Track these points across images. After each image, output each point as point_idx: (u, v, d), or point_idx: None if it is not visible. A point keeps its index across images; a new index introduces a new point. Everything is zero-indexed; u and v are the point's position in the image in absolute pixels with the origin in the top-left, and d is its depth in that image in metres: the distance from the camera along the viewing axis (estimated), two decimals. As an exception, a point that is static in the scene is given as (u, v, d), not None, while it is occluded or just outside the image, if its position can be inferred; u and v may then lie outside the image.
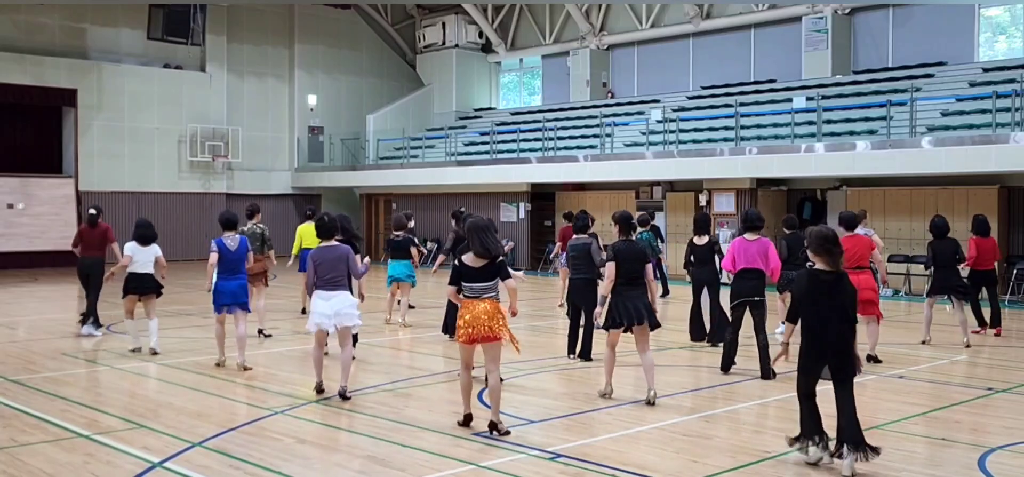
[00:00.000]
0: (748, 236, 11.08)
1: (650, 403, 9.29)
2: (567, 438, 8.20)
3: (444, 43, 36.30)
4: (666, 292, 20.34)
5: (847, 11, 26.92)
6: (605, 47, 32.85)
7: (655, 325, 9.51)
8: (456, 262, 8.34)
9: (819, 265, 7.18)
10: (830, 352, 7.03)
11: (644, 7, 31.47)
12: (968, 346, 13.36)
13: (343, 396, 9.52)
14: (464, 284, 8.15)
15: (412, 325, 15.37)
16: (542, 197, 29.10)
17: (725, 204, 24.20)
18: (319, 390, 9.81)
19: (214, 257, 11.15)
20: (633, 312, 9.31)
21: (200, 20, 31.71)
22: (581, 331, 12.11)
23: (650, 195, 26.52)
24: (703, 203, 24.32)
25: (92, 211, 14.54)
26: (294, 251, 16.66)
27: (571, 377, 11.01)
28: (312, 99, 35.50)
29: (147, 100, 31.82)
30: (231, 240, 11.32)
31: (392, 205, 32.87)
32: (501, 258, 8.24)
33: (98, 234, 14.41)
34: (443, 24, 36.25)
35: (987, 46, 25.51)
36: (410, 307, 16.20)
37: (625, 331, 9.47)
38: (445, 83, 36.44)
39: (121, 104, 31.29)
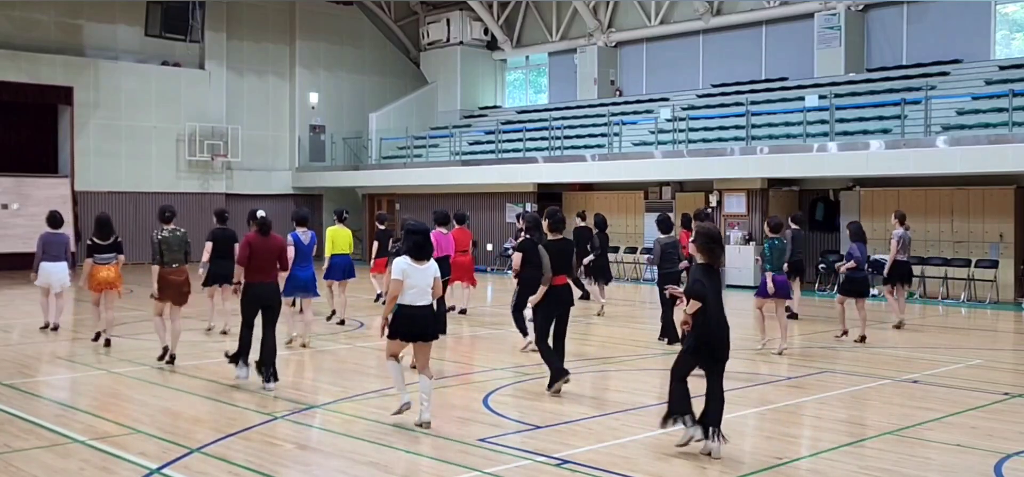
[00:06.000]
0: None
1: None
2: (573, 443, 8.07)
3: (448, 40, 35.79)
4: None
5: (860, 7, 26.48)
6: (613, 44, 32.38)
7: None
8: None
9: (703, 260, 7.63)
10: (721, 339, 7.61)
11: (653, 4, 31.03)
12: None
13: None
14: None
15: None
16: (549, 197, 28.65)
17: (736, 205, 23.82)
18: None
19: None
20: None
21: (199, 16, 31.19)
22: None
23: (659, 195, 26.07)
24: (714, 203, 23.91)
25: (262, 214, 10.75)
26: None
27: (579, 381, 10.76)
28: (313, 97, 35.05)
29: (145, 98, 31.35)
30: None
31: (395, 205, 32.44)
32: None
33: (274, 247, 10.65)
34: (447, 21, 35.75)
35: (1004, 44, 25.06)
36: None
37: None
38: (449, 81, 35.96)
39: (118, 102, 30.84)
